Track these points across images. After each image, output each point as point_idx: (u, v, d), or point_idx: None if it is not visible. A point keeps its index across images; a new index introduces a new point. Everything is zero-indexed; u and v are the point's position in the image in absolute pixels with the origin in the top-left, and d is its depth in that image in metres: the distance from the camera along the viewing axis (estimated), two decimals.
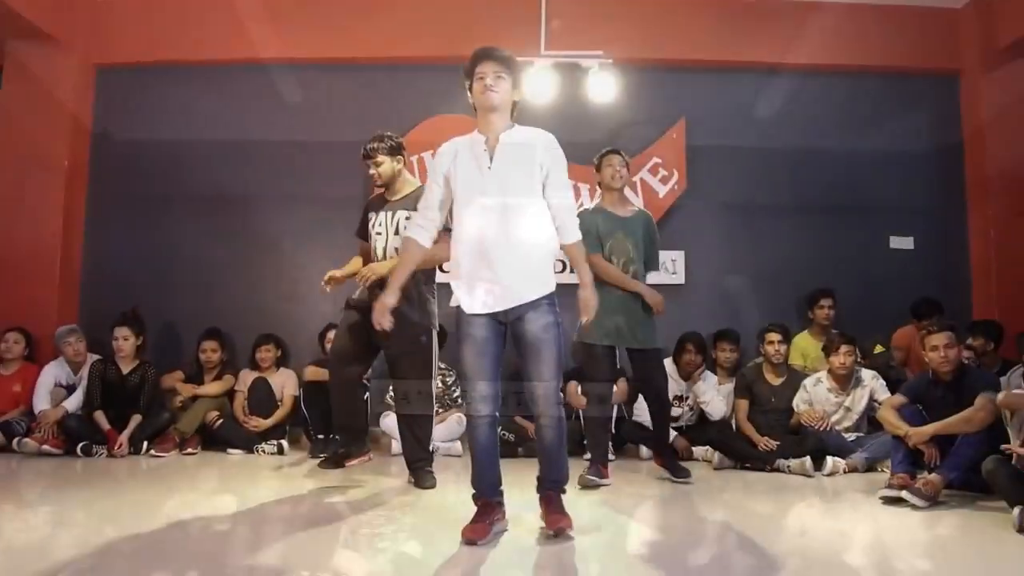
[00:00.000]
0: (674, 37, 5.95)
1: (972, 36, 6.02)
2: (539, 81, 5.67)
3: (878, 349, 5.32)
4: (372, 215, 4.00)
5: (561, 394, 2.91)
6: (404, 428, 4.02)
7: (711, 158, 5.96)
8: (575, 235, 2.91)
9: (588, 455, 4.22)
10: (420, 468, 3.93)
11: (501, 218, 2.80)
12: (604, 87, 5.70)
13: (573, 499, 3.65)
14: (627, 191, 5.78)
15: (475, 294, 2.84)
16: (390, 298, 2.86)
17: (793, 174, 6.03)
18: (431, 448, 4.08)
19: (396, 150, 3.99)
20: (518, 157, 2.84)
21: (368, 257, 3.99)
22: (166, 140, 6.01)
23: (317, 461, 4.44)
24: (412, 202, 3.89)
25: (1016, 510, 3.08)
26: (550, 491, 2.92)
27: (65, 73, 5.84)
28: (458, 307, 2.91)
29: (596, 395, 4.16)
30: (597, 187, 5.69)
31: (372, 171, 3.96)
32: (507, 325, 2.86)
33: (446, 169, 2.87)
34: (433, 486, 3.86)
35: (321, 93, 6.06)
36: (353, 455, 4.01)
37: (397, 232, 3.88)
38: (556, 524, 2.82)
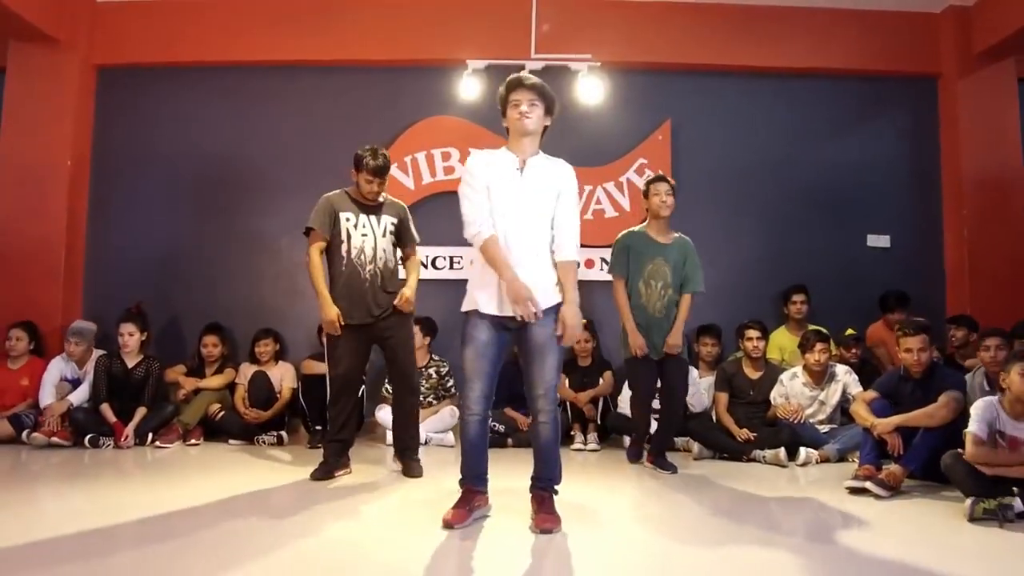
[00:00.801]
0: (660, 41, 6.13)
1: (950, 40, 6.19)
2: None
3: (849, 332, 5.55)
4: (348, 215, 4.12)
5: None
6: (398, 417, 4.27)
7: (696, 159, 6.14)
8: (572, 254, 3.09)
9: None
10: (409, 457, 4.19)
11: (524, 231, 3.04)
12: (592, 89, 5.88)
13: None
14: (613, 189, 6.06)
15: (492, 297, 3.05)
16: (525, 289, 2.99)
17: (775, 174, 6.21)
18: (423, 439, 4.33)
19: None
20: (542, 180, 3.07)
21: (330, 256, 4.14)
22: (166, 139, 6.16)
23: (313, 448, 4.75)
24: (393, 210, 4.25)
25: (968, 501, 3.30)
26: (543, 490, 3.12)
27: (67, 74, 5.98)
28: (467, 310, 3.12)
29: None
30: (598, 189, 5.95)
31: (374, 189, 4.12)
32: (512, 331, 3.08)
33: (487, 179, 3.08)
34: (421, 475, 4.10)
35: (318, 94, 6.20)
36: (342, 467, 4.14)
37: (384, 235, 4.16)
38: (543, 524, 2.97)
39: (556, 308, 3.06)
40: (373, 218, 4.16)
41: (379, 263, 4.13)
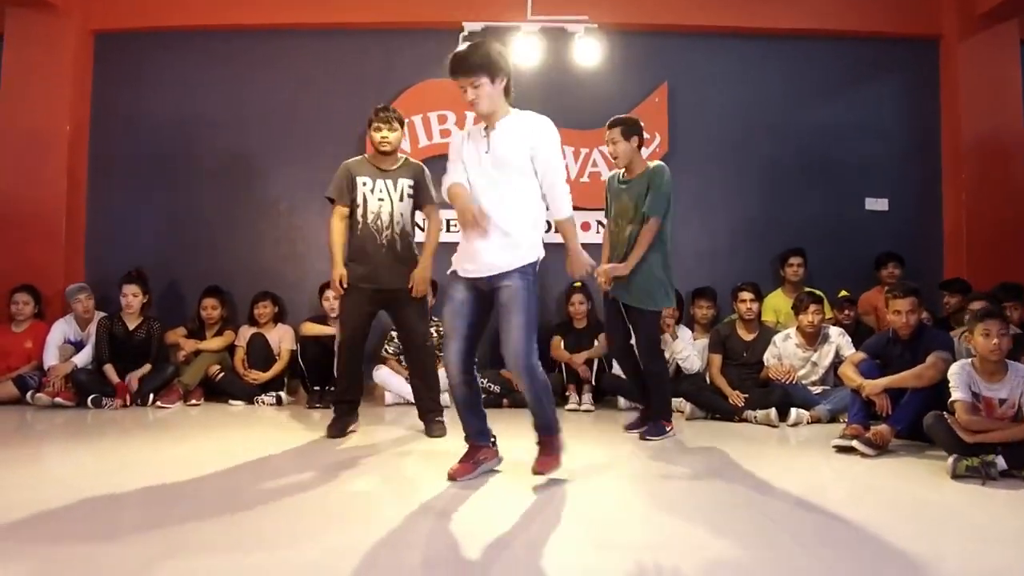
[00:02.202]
0: (658, 2, 6.07)
1: (952, 1, 6.10)
2: (525, 46, 5.81)
3: (842, 293, 5.57)
4: (365, 180, 4.15)
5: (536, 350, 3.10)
6: (415, 380, 4.33)
7: (693, 122, 6.12)
8: (563, 212, 3.12)
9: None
10: (431, 419, 4.22)
11: (491, 197, 3.06)
12: (589, 52, 5.85)
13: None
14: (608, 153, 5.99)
15: (464, 261, 3.13)
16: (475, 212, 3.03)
17: (773, 137, 6.17)
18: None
19: (403, 122, 4.29)
20: (510, 142, 3.06)
21: (347, 224, 4.19)
22: (165, 104, 6.17)
23: (311, 408, 4.88)
24: (410, 171, 4.23)
25: (951, 459, 3.34)
26: (539, 437, 3.21)
27: (64, 39, 5.97)
28: (449, 271, 3.20)
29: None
30: (594, 152, 5.95)
31: (384, 135, 4.14)
32: (488, 292, 3.11)
33: (462, 154, 3.14)
34: (443, 435, 4.14)
35: (315, 58, 6.18)
36: (352, 422, 4.25)
37: (402, 199, 4.17)
38: (537, 467, 3.12)
39: (523, 270, 3.04)
40: (390, 182, 4.16)
41: (396, 228, 4.14)
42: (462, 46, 3.14)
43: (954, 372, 3.62)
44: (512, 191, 3.05)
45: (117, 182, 6.16)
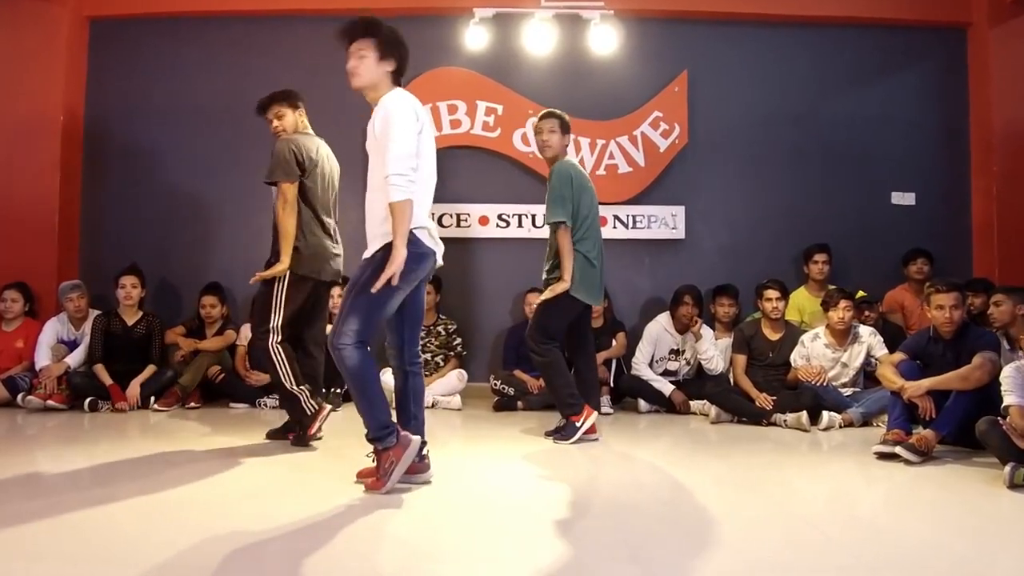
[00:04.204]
0: None
1: None
2: (538, 33, 5.60)
3: (860, 294, 5.35)
4: None
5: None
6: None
7: (713, 112, 5.89)
8: (390, 197, 2.79)
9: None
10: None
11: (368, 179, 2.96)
12: (605, 39, 5.63)
13: (569, 452, 3.73)
14: (627, 143, 5.80)
15: None
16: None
17: (796, 128, 5.95)
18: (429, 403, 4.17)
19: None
20: (371, 129, 2.93)
21: None
22: (163, 93, 5.94)
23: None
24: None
25: (1008, 467, 3.13)
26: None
27: (57, 26, 5.74)
28: None
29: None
30: (611, 143, 5.73)
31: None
32: None
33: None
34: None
35: (317, 45, 5.90)
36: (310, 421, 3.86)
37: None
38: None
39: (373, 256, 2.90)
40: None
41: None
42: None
43: (1008, 375, 3.41)
44: (370, 175, 2.93)
45: (112, 174, 5.93)
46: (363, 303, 2.82)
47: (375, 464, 2.89)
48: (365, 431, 2.89)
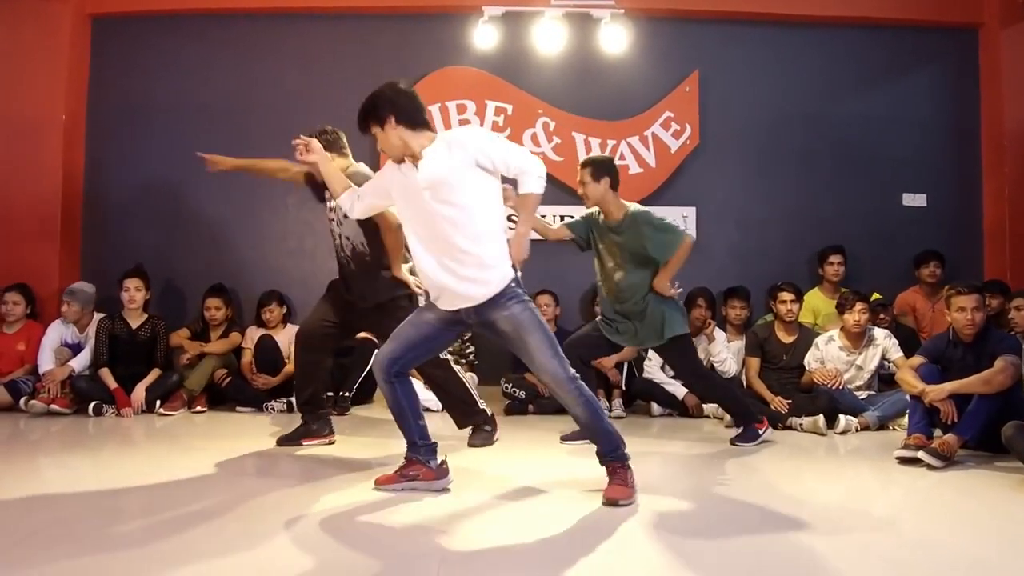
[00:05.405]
0: None
1: None
2: (548, 32, 5.56)
3: (875, 296, 5.31)
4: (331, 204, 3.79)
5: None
6: (440, 396, 4.00)
7: (725, 112, 5.87)
8: (528, 187, 2.84)
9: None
10: (472, 428, 3.92)
11: (438, 228, 2.85)
12: (616, 38, 5.61)
13: (577, 456, 3.68)
14: (638, 144, 5.75)
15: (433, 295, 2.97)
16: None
17: (807, 129, 5.93)
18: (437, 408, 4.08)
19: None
20: (441, 163, 2.84)
21: None
22: (166, 91, 5.88)
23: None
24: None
25: None
26: (611, 463, 2.92)
27: (60, 23, 5.68)
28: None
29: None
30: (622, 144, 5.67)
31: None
32: (473, 325, 2.93)
33: (390, 184, 2.97)
34: (485, 444, 3.85)
35: (324, 43, 5.91)
36: (313, 435, 3.87)
37: (343, 220, 3.74)
38: (609, 494, 2.82)
39: (506, 295, 2.79)
40: (332, 202, 3.72)
41: (347, 251, 3.77)
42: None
43: None
44: (461, 216, 2.76)
45: (115, 174, 5.86)
46: (548, 337, 2.81)
47: (611, 479, 2.87)
48: (603, 455, 2.91)
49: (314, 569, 2.12)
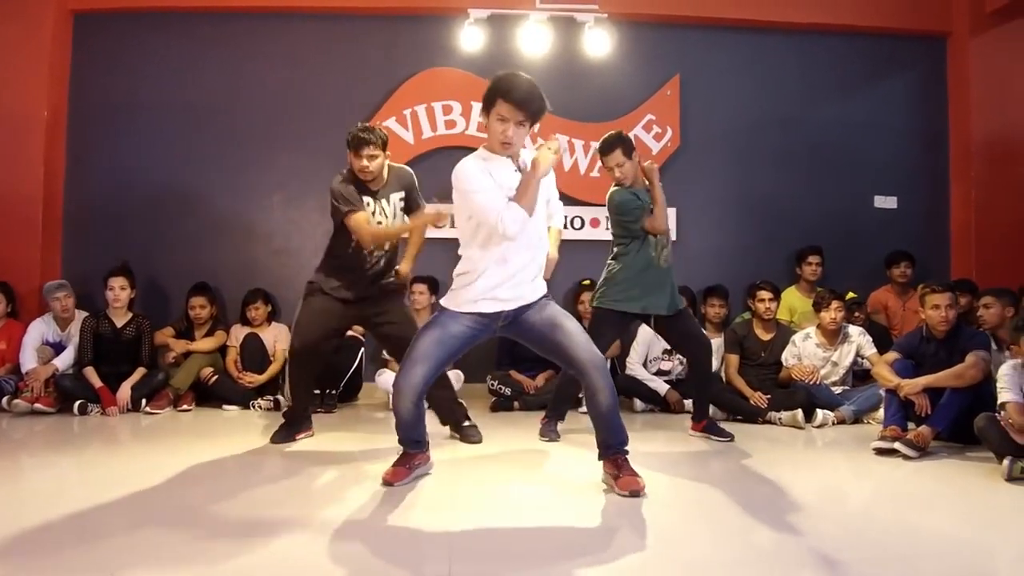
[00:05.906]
0: None
1: None
2: (533, 35, 5.62)
3: (850, 295, 5.47)
4: (368, 200, 3.74)
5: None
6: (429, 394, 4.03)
7: (705, 116, 5.98)
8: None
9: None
10: (463, 427, 4.00)
11: (533, 224, 3.00)
12: (599, 42, 5.68)
13: (565, 449, 3.77)
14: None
15: (492, 293, 3.00)
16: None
17: (784, 132, 6.07)
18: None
19: (386, 142, 3.79)
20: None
21: (337, 233, 3.83)
22: (149, 89, 5.82)
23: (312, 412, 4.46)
24: (399, 183, 3.81)
25: (1006, 460, 3.22)
26: (618, 454, 2.98)
27: (41, 19, 5.60)
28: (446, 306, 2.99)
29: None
30: (591, 145, 5.75)
31: (364, 164, 3.65)
32: (505, 327, 2.99)
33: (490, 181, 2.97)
34: (478, 440, 3.93)
35: (310, 43, 5.90)
36: (302, 430, 3.98)
37: (395, 215, 3.78)
38: (629, 486, 2.85)
39: (547, 295, 3.01)
40: (384, 202, 3.75)
41: (388, 247, 3.83)
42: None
43: (1004, 373, 3.51)
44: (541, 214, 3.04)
45: (97, 171, 5.79)
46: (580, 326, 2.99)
47: (625, 468, 2.94)
48: (618, 445, 2.98)
49: (312, 568, 2.12)
